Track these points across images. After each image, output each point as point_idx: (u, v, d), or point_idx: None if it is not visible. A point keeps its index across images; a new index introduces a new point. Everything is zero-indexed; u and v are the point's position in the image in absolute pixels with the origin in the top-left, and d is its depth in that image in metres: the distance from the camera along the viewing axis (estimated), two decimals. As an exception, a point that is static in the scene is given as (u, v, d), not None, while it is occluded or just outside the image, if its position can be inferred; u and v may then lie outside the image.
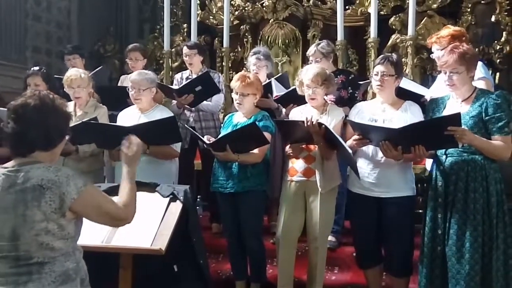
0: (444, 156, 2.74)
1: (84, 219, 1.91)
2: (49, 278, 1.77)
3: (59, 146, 1.90)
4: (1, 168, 1.83)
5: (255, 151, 3.15)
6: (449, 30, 3.23)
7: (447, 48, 2.77)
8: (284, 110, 3.80)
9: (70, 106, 3.68)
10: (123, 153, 2.06)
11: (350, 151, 2.83)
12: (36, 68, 3.93)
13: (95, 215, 1.89)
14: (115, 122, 3.52)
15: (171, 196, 2.52)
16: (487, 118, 2.61)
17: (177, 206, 2.48)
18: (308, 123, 2.86)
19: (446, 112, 2.73)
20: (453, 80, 2.66)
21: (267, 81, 3.91)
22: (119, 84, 4.56)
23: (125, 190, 2.01)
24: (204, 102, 4.16)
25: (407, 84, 3.23)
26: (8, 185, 1.76)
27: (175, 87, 4.17)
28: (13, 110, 1.81)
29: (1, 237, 1.75)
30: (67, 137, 1.92)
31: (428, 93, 3.20)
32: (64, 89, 3.66)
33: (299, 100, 3.25)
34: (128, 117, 3.46)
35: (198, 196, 4.91)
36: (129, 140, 2.06)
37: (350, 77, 3.85)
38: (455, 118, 2.54)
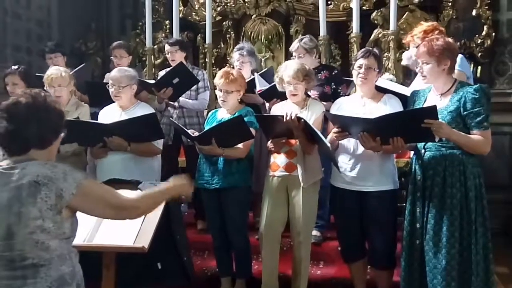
0: (423, 150, 2.74)
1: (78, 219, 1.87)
2: (44, 283, 1.72)
3: (55, 143, 1.87)
4: None
5: (240, 145, 3.15)
6: (422, 26, 3.24)
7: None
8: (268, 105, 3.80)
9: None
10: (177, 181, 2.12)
11: (328, 144, 2.85)
12: (15, 67, 3.87)
13: (99, 207, 1.86)
14: (97, 120, 3.49)
15: (153, 193, 2.49)
16: (465, 113, 2.59)
17: (159, 204, 2.46)
18: (287, 118, 2.86)
19: (427, 104, 2.72)
20: (424, 71, 2.69)
21: (252, 77, 3.90)
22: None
23: (148, 193, 2.06)
24: (190, 101, 4.14)
25: (386, 84, 3.21)
26: (3, 183, 1.72)
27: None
28: (5, 109, 1.78)
29: None
30: (62, 135, 1.88)
31: (409, 91, 3.18)
32: (45, 88, 3.61)
33: (283, 95, 3.24)
34: (109, 115, 3.44)
35: (183, 194, 4.87)
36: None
37: (333, 73, 3.85)
38: (431, 111, 2.52)
